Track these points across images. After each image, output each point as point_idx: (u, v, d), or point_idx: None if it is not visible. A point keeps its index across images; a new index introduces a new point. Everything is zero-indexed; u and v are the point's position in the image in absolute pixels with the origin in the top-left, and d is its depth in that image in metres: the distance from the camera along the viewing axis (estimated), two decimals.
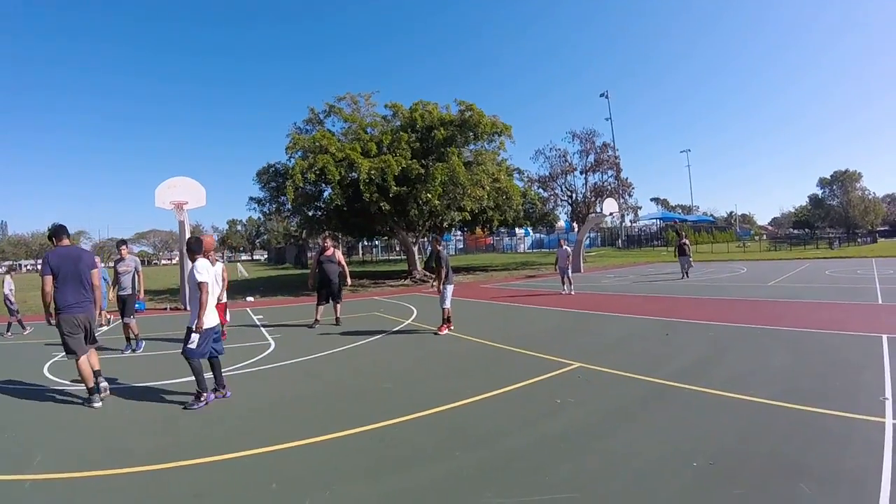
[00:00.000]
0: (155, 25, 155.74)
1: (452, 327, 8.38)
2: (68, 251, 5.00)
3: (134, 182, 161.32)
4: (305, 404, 4.80)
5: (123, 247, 8.04)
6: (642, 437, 3.59)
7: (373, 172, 17.04)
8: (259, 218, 22.55)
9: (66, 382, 5.79)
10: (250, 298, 16.63)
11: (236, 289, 20.66)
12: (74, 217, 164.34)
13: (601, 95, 52.86)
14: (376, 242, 45.58)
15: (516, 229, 41.24)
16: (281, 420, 4.37)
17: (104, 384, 5.16)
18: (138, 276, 7.82)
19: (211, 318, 4.91)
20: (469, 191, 18.72)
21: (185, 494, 3.00)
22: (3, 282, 11.22)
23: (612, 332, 7.93)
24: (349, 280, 10.36)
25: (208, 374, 4.98)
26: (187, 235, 14.53)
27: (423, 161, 18.44)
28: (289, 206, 19.78)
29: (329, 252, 9.92)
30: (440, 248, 8.19)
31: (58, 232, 5.10)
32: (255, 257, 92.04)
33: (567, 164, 38.08)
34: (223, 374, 5.12)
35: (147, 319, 11.56)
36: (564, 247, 14.26)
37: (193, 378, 4.80)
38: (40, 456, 3.66)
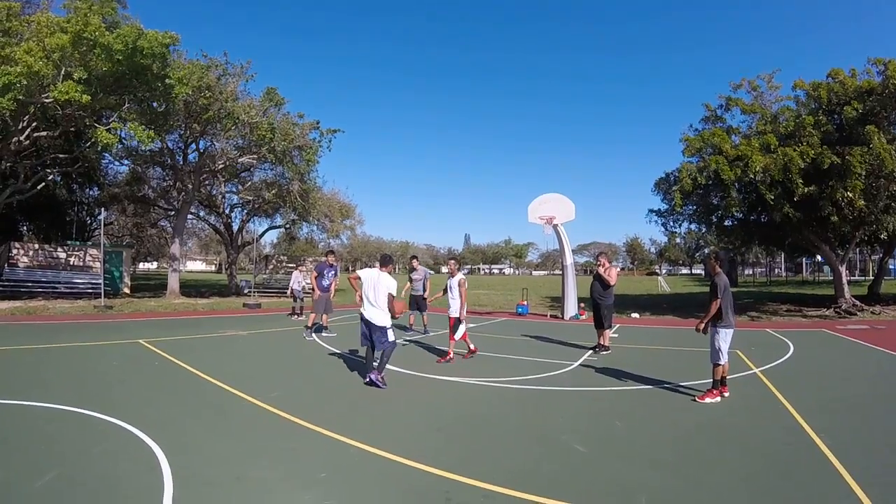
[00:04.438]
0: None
1: (727, 395, 5.72)
2: (324, 264, 10.86)
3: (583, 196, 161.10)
4: (455, 429, 4.64)
5: (415, 260, 11.89)
6: None
7: (770, 170, 13.92)
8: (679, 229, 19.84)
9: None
10: (635, 315, 16.20)
11: (632, 304, 20.11)
12: (522, 230, 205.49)
13: None
14: (820, 258, 36.24)
15: None
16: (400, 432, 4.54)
17: (322, 331, 10.35)
18: (427, 282, 11.16)
19: (364, 314, 6.30)
20: None
21: (316, 466, 3.68)
22: (293, 277, 15.22)
23: None
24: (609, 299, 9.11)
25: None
26: (566, 249, 15.51)
27: (837, 148, 14.09)
28: (688, 216, 18.23)
29: (602, 269, 9.05)
30: (718, 269, 5.87)
31: (327, 253, 11.63)
32: (693, 271, 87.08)
33: None
34: (374, 363, 6.28)
35: (526, 323, 14.29)
36: None
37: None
38: (277, 392, 5.71)
